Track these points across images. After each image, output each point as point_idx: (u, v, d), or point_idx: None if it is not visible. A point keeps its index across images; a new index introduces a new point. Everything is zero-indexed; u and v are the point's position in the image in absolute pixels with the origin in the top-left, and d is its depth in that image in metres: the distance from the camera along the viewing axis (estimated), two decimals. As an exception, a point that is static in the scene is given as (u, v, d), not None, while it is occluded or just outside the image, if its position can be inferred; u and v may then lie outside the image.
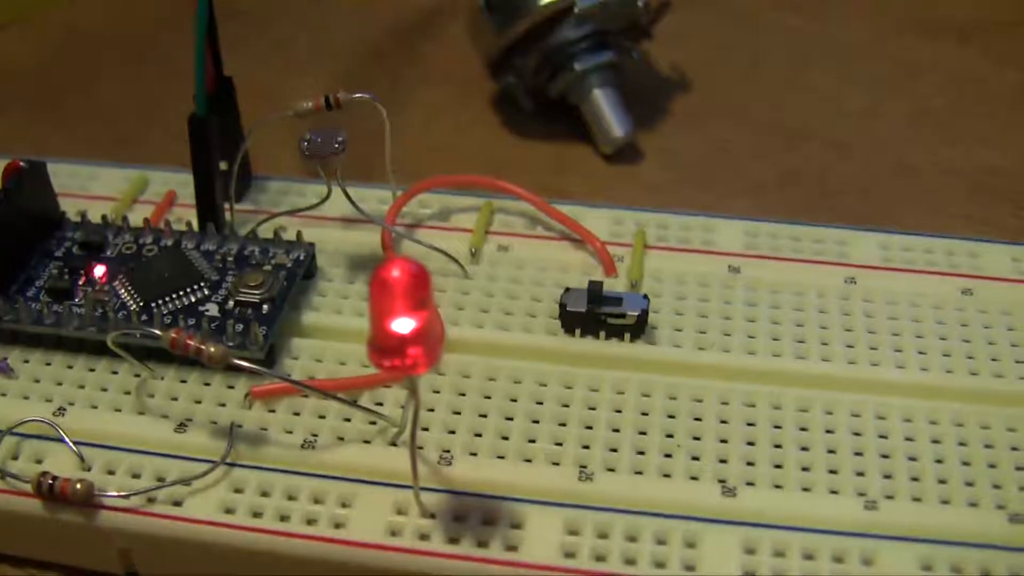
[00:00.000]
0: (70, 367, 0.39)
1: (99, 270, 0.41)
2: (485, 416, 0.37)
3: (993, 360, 0.39)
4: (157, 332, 0.35)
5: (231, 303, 0.40)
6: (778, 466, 0.36)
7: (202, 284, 0.40)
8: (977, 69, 0.59)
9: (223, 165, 0.43)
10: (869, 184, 0.51)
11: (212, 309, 0.40)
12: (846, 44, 0.61)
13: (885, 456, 0.36)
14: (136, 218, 0.44)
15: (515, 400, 0.38)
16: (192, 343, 0.34)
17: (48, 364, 0.39)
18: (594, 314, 0.39)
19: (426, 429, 0.37)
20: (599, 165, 0.53)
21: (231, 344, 0.38)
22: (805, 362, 0.39)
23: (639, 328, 0.39)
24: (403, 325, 0.30)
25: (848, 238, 0.44)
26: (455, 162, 0.51)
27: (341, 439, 0.37)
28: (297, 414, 0.38)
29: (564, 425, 0.37)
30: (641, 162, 0.53)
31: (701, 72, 0.58)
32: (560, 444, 0.37)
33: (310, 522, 0.35)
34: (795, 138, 0.54)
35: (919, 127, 0.55)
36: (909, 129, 0.55)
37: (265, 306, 0.39)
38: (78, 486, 0.34)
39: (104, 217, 0.43)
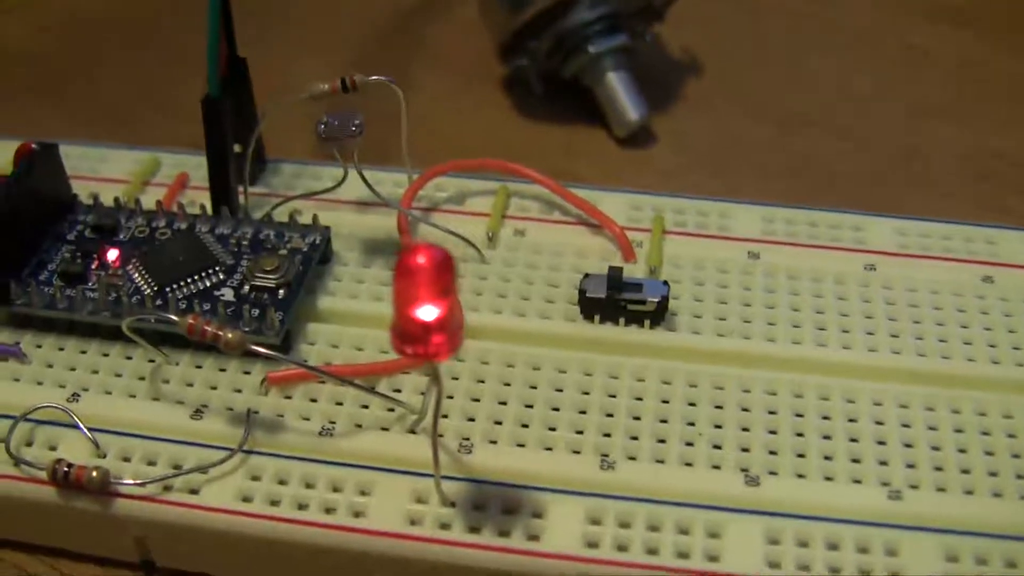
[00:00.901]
0: (83, 352, 0.39)
1: (112, 254, 0.40)
2: (504, 403, 0.37)
3: (1015, 348, 0.39)
4: (174, 318, 0.35)
5: (246, 288, 0.39)
6: (800, 455, 0.36)
7: (217, 268, 0.40)
8: (988, 55, 0.58)
9: (237, 148, 0.42)
10: (878, 171, 0.51)
11: (227, 294, 0.39)
12: (855, 30, 0.61)
13: (908, 445, 0.36)
14: (148, 201, 0.43)
15: (534, 387, 0.38)
16: (209, 329, 0.34)
17: (61, 349, 0.39)
18: (614, 300, 0.39)
19: (445, 416, 0.36)
20: (612, 149, 0.53)
21: (247, 329, 0.38)
22: (825, 349, 0.39)
23: (659, 314, 0.39)
24: (427, 312, 0.29)
25: (865, 224, 0.43)
26: (466, 146, 0.50)
27: (359, 426, 0.36)
28: (314, 401, 0.37)
29: (584, 413, 0.37)
30: (654, 146, 0.53)
31: (714, 56, 0.58)
32: (581, 432, 0.36)
33: (328, 510, 0.34)
34: (805, 124, 0.54)
35: (928, 114, 0.54)
36: (918, 116, 0.54)
37: (281, 291, 0.39)
38: (93, 473, 0.34)
39: (116, 200, 0.43)
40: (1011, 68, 0.57)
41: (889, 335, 0.39)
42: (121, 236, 0.41)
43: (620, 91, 0.51)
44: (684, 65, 0.57)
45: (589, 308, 0.39)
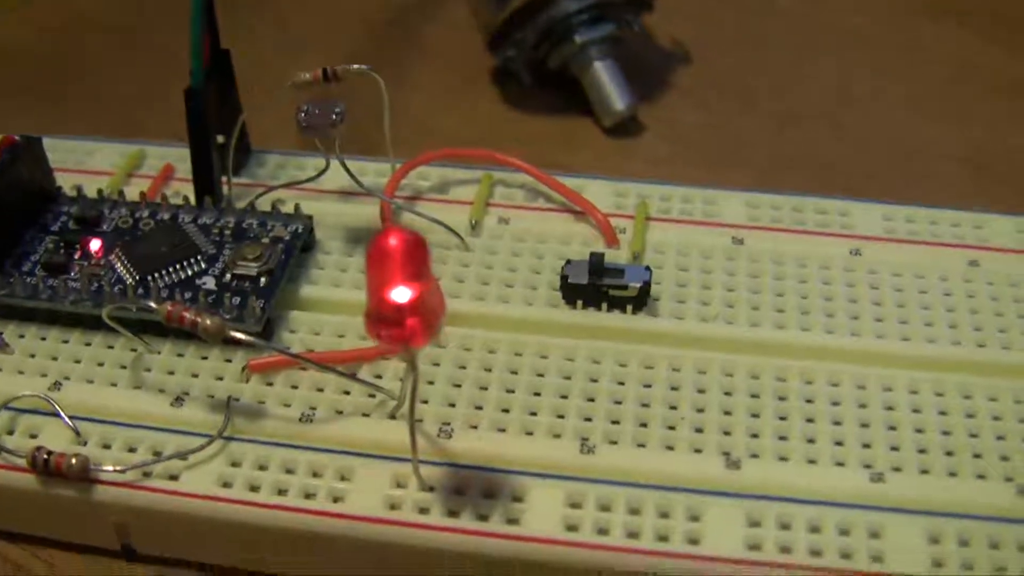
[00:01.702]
0: (66, 342, 0.39)
1: (95, 244, 0.40)
2: (486, 389, 0.37)
3: (1000, 332, 0.38)
4: (152, 305, 0.35)
5: (228, 276, 0.39)
6: (783, 438, 0.35)
7: (199, 257, 0.40)
8: (984, 54, 0.58)
9: (220, 138, 0.42)
10: (874, 165, 0.51)
11: (209, 283, 0.39)
12: (851, 24, 0.61)
13: (891, 428, 0.36)
14: (132, 192, 0.43)
15: (516, 373, 0.37)
16: (188, 316, 0.34)
17: (43, 339, 0.39)
18: (596, 286, 0.39)
19: (425, 402, 0.36)
20: (599, 138, 0.52)
21: (228, 317, 0.38)
22: (809, 334, 0.39)
23: (641, 300, 0.39)
24: (400, 294, 0.29)
25: (851, 209, 0.43)
26: (454, 137, 0.50)
27: (339, 412, 0.36)
28: (295, 387, 0.37)
29: (565, 398, 0.37)
30: (642, 135, 0.53)
31: (705, 46, 0.58)
32: (562, 417, 0.36)
33: (308, 496, 0.34)
34: (799, 116, 0.54)
35: (922, 111, 0.54)
36: (912, 112, 0.54)
37: (263, 279, 0.39)
38: (73, 461, 0.34)
39: (100, 191, 0.43)
40: (1011, 68, 0.57)
41: (874, 319, 0.39)
42: (104, 227, 0.41)
43: (606, 81, 0.51)
44: (674, 55, 0.57)
45: (571, 294, 0.39)
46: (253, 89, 0.45)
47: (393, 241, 0.29)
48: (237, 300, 0.38)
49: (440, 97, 0.55)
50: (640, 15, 0.53)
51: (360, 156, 0.44)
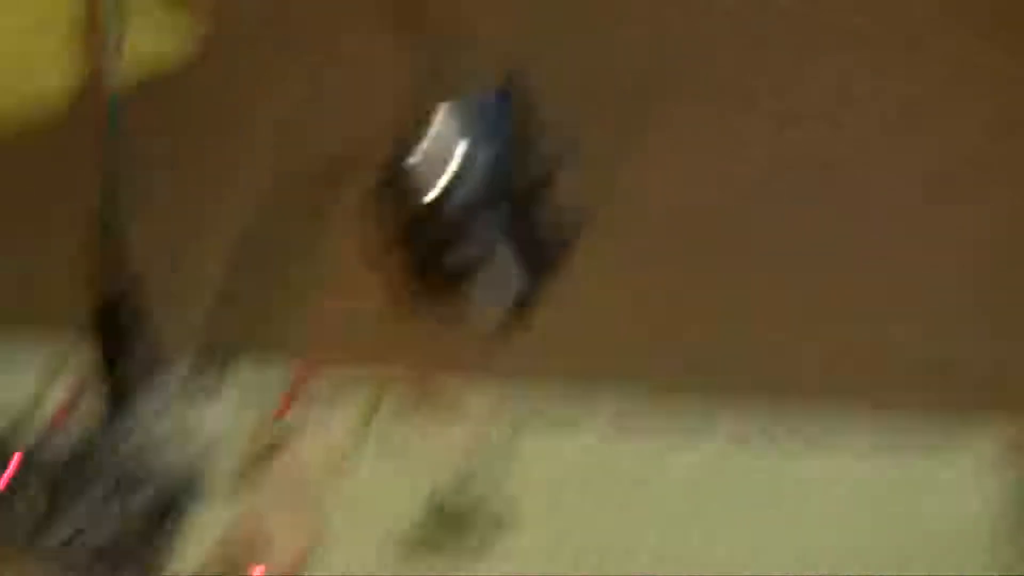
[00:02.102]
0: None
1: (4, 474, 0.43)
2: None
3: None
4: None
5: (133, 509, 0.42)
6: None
7: (105, 487, 0.42)
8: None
9: (131, 362, 0.45)
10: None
11: (111, 517, 0.42)
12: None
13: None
14: (52, 400, 0.45)
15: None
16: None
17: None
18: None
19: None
20: (484, 340, 0.51)
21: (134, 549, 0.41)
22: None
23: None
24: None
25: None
26: (350, 335, 0.50)
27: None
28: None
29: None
30: (534, 326, 0.51)
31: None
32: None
33: None
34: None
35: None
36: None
37: (163, 514, 0.42)
38: None
39: (13, 420, 0.45)
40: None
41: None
42: (14, 455, 0.43)
43: (498, 278, 0.51)
44: (568, 235, 0.55)
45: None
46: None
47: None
48: (140, 532, 0.42)
49: (331, 297, 0.54)
50: (538, 202, 0.53)
51: (254, 362, 0.46)
